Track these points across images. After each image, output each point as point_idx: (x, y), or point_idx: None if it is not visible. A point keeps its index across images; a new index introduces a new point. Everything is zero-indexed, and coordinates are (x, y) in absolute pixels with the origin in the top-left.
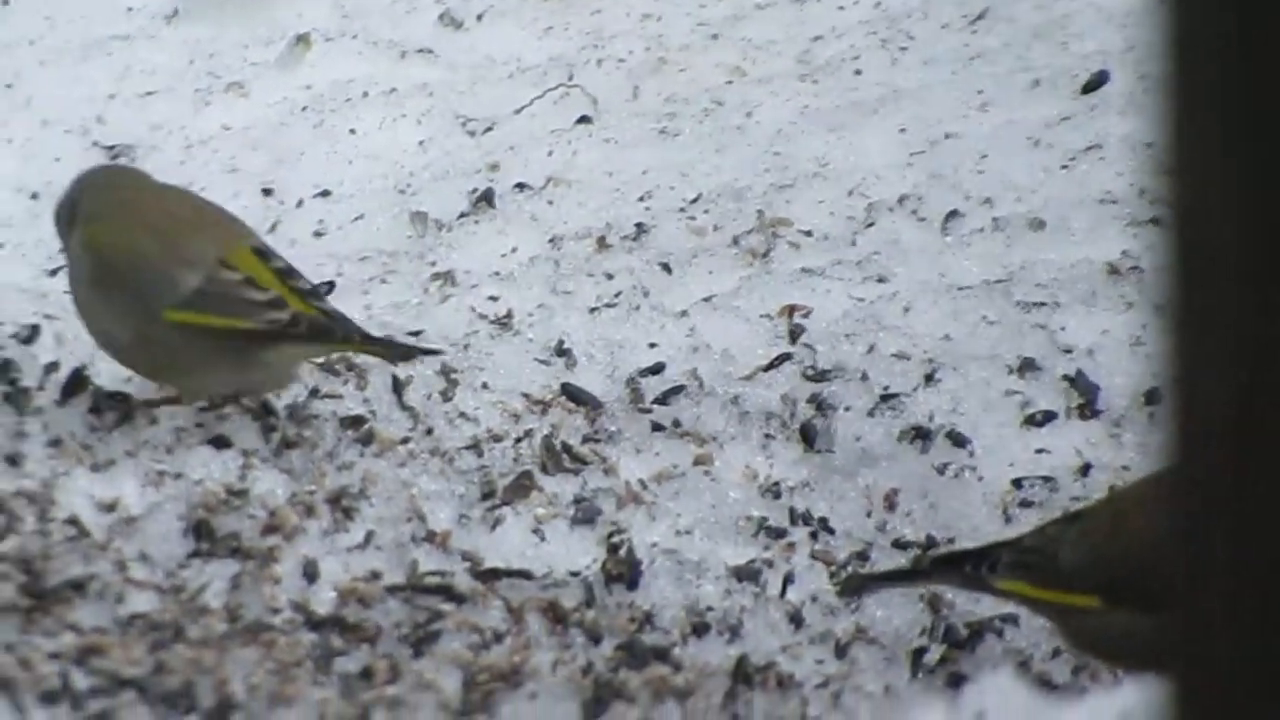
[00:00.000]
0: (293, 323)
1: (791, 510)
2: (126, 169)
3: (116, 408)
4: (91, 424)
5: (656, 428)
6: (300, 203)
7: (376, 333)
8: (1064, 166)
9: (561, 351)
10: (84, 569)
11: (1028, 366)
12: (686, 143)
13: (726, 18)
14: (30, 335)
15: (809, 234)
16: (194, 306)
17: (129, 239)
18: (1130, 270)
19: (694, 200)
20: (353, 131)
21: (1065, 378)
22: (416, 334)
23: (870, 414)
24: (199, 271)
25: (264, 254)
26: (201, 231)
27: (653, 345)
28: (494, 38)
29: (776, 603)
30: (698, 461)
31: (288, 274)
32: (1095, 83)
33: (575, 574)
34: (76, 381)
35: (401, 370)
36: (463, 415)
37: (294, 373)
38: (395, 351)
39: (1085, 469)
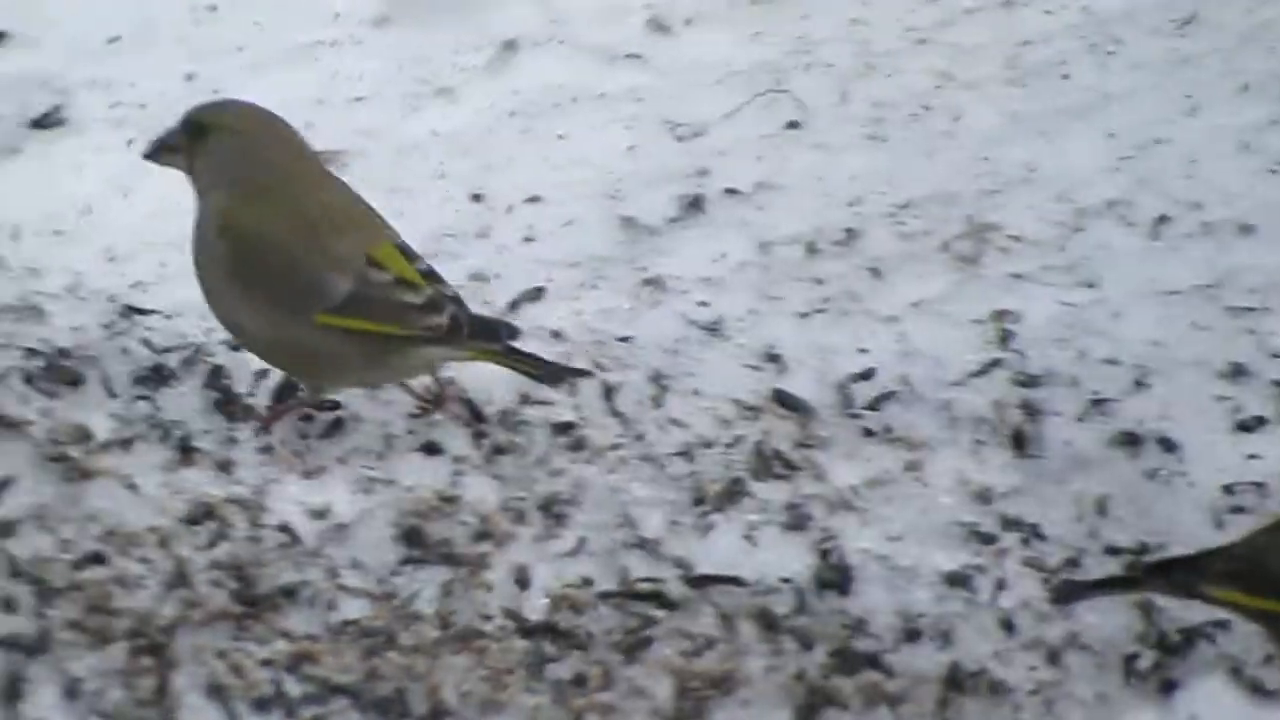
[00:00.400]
0: (454, 327)
1: (1002, 516)
2: (274, 118)
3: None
4: (302, 430)
5: (867, 433)
6: (510, 208)
7: (578, 337)
8: (1273, 170)
9: (772, 357)
10: (296, 576)
11: (1238, 371)
12: (895, 148)
13: (935, 23)
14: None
15: (1018, 239)
16: (347, 311)
17: (277, 237)
18: None
19: (903, 205)
20: (561, 137)
21: (1275, 383)
22: (627, 340)
23: (1080, 419)
24: (350, 274)
25: (407, 253)
26: (350, 227)
27: (863, 350)
28: (702, 43)
29: (988, 608)
30: (908, 467)
31: (431, 275)
32: None
33: (786, 580)
34: (287, 388)
35: (612, 376)
36: (674, 421)
37: (432, 368)
38: (543, 370)
39: None
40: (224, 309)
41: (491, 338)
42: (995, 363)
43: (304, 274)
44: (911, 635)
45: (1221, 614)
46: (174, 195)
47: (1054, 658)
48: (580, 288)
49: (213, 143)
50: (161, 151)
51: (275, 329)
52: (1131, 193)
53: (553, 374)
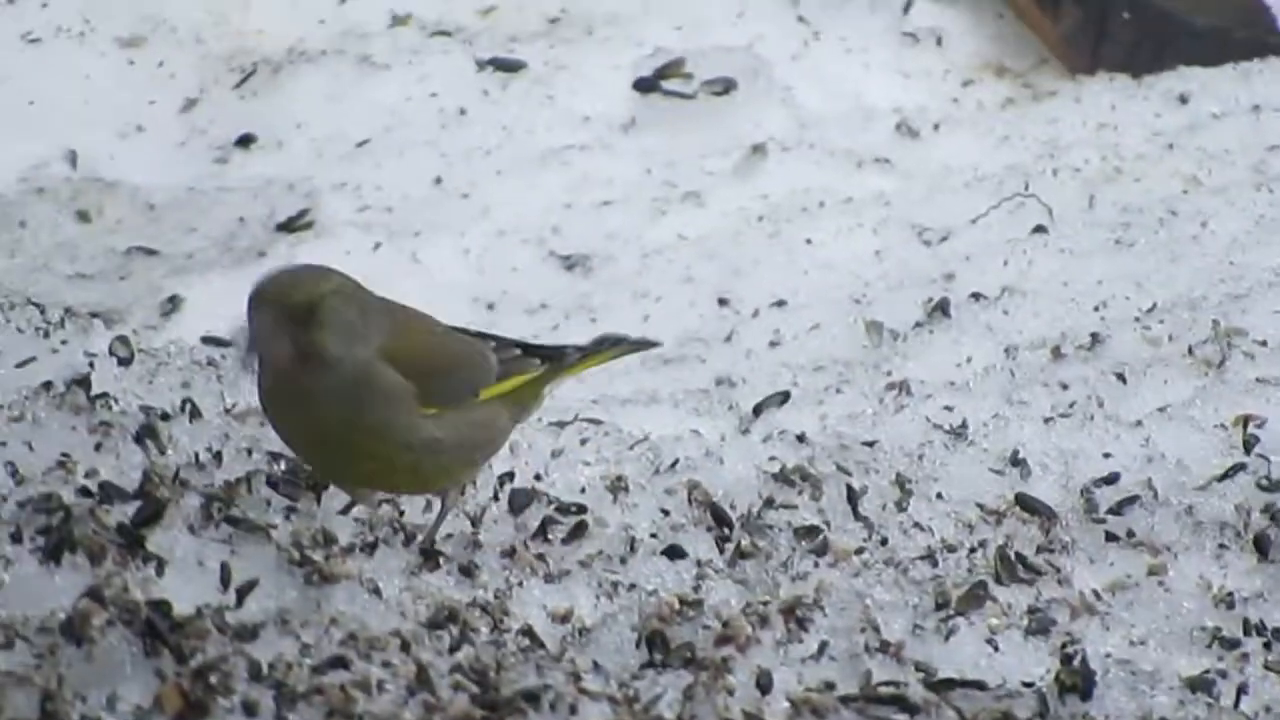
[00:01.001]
0: (546, 361)
1: (1245, 620)
2: (329, 270)
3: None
4: (545, 535)
5: (1110, 538)
6: (756, 312)
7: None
8: None
9: (1016, 461)
10: (537, 680)
11: None
12: (1142, 252)
13: (1182, 127)
14: None
15: (1264, 344)
16: (503, 377)
17: (437, 344)
18: None
19: (1149, 310)
20: (809, 241)
21: None
22: (871, 444)
23: None
24: (490, 349)
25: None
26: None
27: (1107, 455)
28: (950, 147)
29: (1230, 713)
30: (1151, 571)
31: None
32: None
33: (1029, 685)
34: (529, 493)
35: (856, 480)
36: (917, 525)
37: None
38: (623, 345)
39: None
40: (414, 434)
41: (560, 355)
42: (1239, 467)
43: (468, 363)
44: None
45: None
46: (422, 298)
47: None
48: (825, 391)
49: (328, 312)
50: (277, 354)
51: (460, 424)
52: None
53: (638, 347)
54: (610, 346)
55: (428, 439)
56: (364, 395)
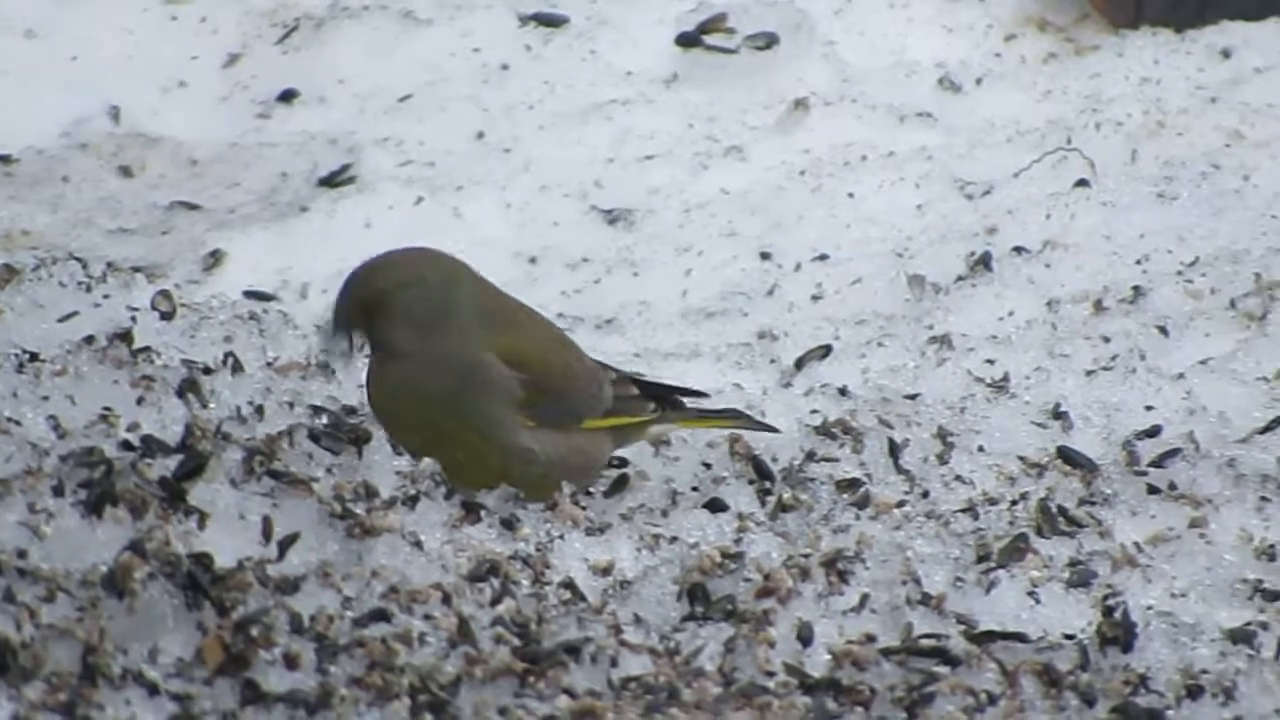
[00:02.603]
0: (664, 407)
1: None
2: (442, 256)
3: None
4: (586, 487)
5: (1152, 490)
6: (798, 266)
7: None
8: None
9: (1058, 414)
10: (578, 632)
11: None
12: (1184, 206)
13: (1224, 81)
14: None
15: None
16: (610, 413)
17: (560, 358)
18: None
19: (1191, 263)
20: (851, 195)
21: None
22: (913, 397)
23: None
24: (605, 381)
25: None
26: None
27: (1149, 408)
28: (993, 101)
29: (1271, 665)
30: (1193, 524)
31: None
32: None
33: (1070, 637)
34: None
35: (898, 434)
36: (958, 478)
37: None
38: (741, 423)
39: None
40: (510, 438)
41: (676, 403)
42: None
43: (587, 389)
44: (1194, 692)
45: None
46: (463, 254)
47: None
48: (867, 345)
49: (400, 304)
50: (342, 351)
51: (559, 445)
52: None
53: (753, 426)
54: (730, 417)
55: (522, 448)
56: (469, 379)
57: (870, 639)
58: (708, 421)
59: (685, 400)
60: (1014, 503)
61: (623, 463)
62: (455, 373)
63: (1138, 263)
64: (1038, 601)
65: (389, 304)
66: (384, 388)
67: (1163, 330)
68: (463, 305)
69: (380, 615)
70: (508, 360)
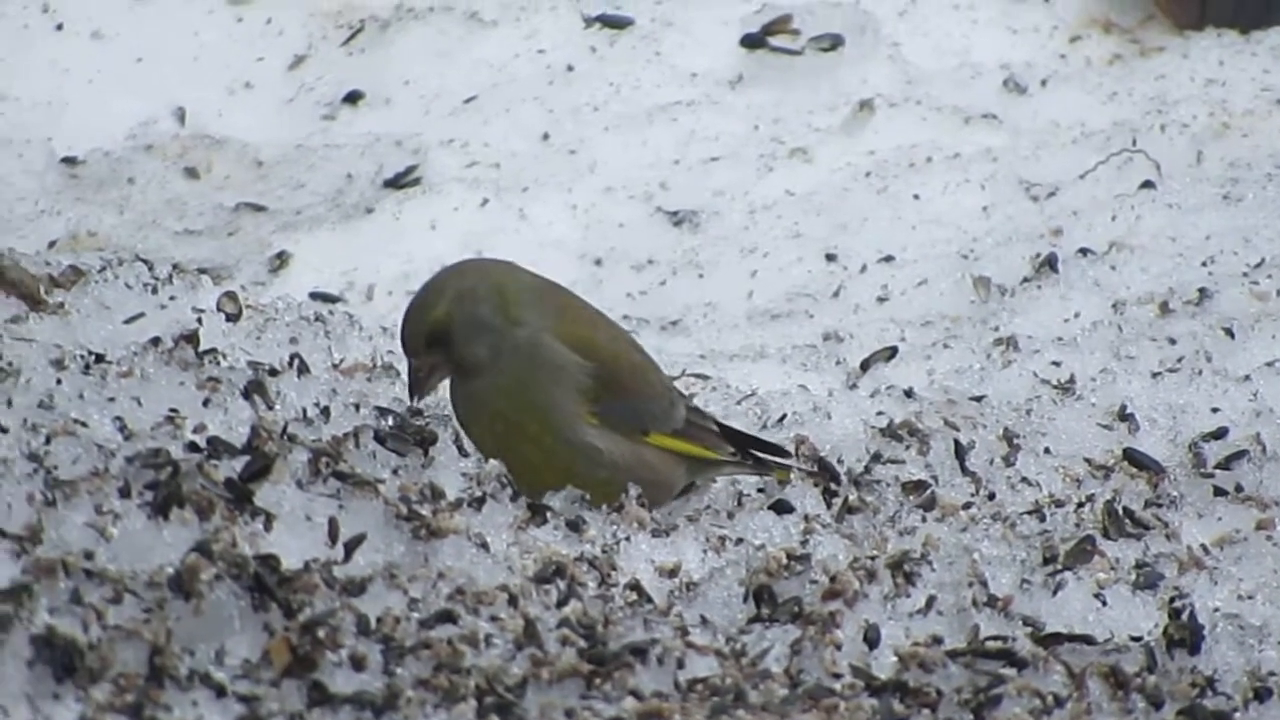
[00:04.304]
0: (743, 454)
1: None
2: (482, 262)
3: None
4: None
5: (1219, 492)
6: (863, 268)
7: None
8: None
9: (1124, 416)
10: (645, 634)
11: None
12: (1250, 208)
13: None
14: None
15: None
16: (681, 435)
17: (634, 360)
18: None
19: (1257, 265)
20: (916, 197)
21: None
22: (979, 399)
23: None
24: (680, 401)
25: None
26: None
27: (1215, 410)
28: (1058, 103)
29: None
30: (1259, 526)
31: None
32: None
33: (1136, 639)
34: None
35: (964, 435)
36: (1024, 480)
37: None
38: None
39: None
40: (574, 431)
41: (757, 459)
42: None
43: (658, 398)
44: (1261, 695)
45: None
46: (529, 256)
47: None
48: (933, 346)
49: (459, 323)
50: (427, 383)
51: (626, 452)
52: None
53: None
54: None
55: (588, 444)
56: (534, 363)
57: (936, 641)
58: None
59: (763, 455)
60: (1080, 505)
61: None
62: (522, 357)
63: (1203, 264)
64: (1104, 604)
65: (449, 328)
66: (462, 397)
67: (1229, 332)
68: (522, 299)
69: (446, 617)
70: (573, 346)
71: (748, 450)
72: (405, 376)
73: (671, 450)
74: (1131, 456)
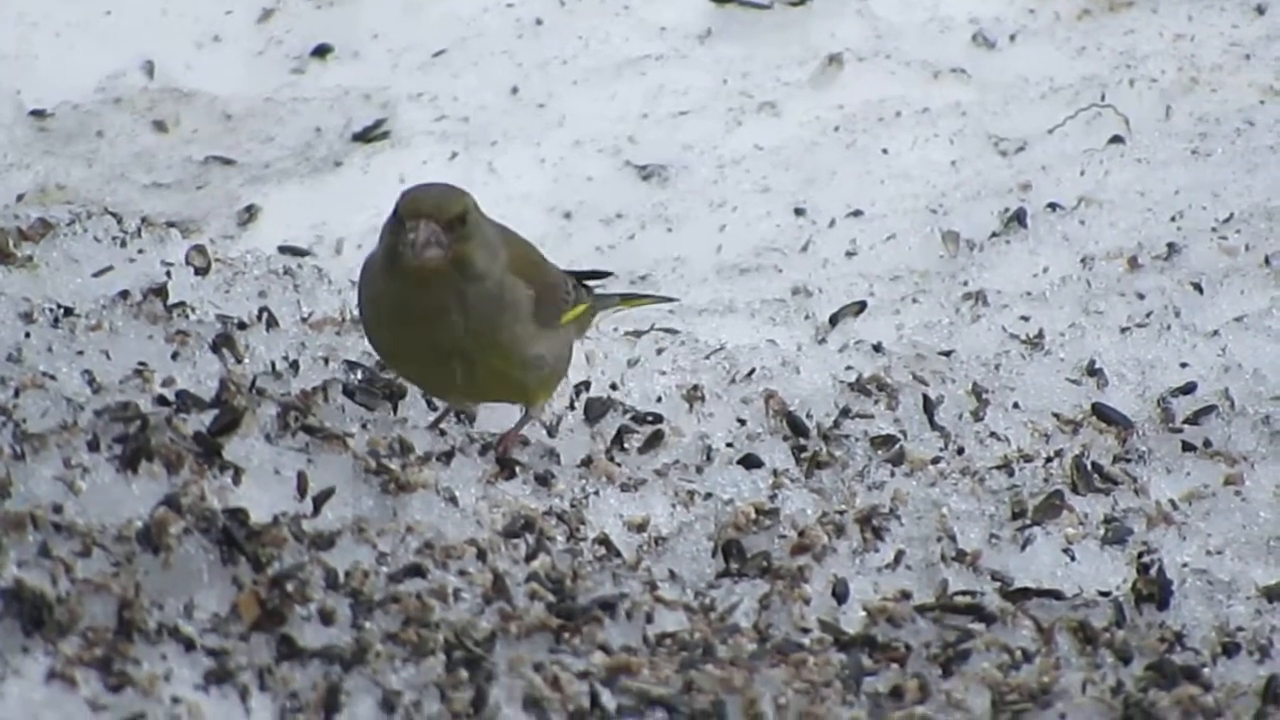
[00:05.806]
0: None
1: None
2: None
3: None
4: (621, 444)
5: (1187, 447)
6: (832, 222)
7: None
8: None
9: (1092, 371)
10: (613, 589)
11: None
12: (1218, 163)
13: (1259, 38)
14: None
15: None
16: (574, 306)
17: (550, 270)
18: None
19: (1226, 220)
20: (885, 151)
21: None
22: (948, 354)
23: None
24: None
25: None
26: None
27: (1184, 365)
28: (1027, 58)
29: None
30: (1228, 481)
31: None
32: None
33: (1105, 594)
34: (605, 403)
35: (932, 390)
36: (993, 435)
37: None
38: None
39: None
40: (528, 349)
41: (588, 288)
42: None
43: (563, 289)
44: (1230, 649)
45: None
46: (498, 209)
47: None
48: (901, 301)
49: (471, 224)
50: (431, 249)
51: (556, 344)
52: None
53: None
54: (645, 297)
55: (536, 355)
56: (503, 306)
57: (905, 596)
58: (634, 301)
59: (591, 284)
60: (1049, 460)
61: (656, 418)
62: (491, 300)
63: (1172, 219)
64: (1073, 559)
65: (466, 223)
66: (408, 316)
67: (1197, 287)
68: (493, 230)
69: (415, 571)
70: (522, 276)
71: (581, 284)
72: (410, 235)
73: (572, 322)
74: (1100, 411)
